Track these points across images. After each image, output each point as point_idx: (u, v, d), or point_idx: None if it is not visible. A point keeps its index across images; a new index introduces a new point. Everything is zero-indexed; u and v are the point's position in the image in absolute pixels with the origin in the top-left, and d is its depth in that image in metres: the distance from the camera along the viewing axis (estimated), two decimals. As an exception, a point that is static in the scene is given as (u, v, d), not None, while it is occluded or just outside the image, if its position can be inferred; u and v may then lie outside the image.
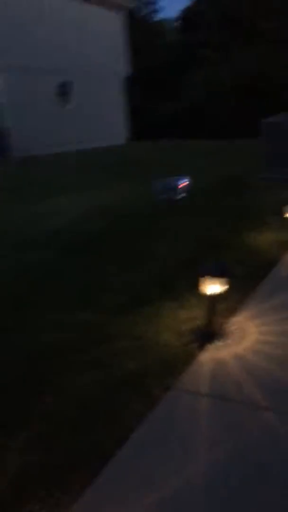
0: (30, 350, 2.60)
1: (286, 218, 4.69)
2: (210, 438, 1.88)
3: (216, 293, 2.53)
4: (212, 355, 2.47)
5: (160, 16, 39.04)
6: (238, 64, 24.69)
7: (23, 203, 7.35)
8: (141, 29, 29.55)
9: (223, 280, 2.53)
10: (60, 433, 1.93)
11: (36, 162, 13.18)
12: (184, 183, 6.46)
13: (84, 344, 2.63)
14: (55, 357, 2.50)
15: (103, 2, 19.71)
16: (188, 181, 6.55)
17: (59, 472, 1.71)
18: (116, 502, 1.58)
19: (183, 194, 6.42)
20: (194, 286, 3.20)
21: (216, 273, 2.48)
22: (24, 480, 1.68)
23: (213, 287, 2.50)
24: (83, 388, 2.22)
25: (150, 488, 1.63)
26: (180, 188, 6.39)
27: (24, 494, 1.62)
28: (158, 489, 1.62)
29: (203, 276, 2.50)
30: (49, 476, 1.70)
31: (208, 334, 2.62)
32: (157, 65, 28.63)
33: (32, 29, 16.57)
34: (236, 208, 5.88)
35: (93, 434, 1.91)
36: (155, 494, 1.60)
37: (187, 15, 30.04)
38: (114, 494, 1.62)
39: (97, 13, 19.62)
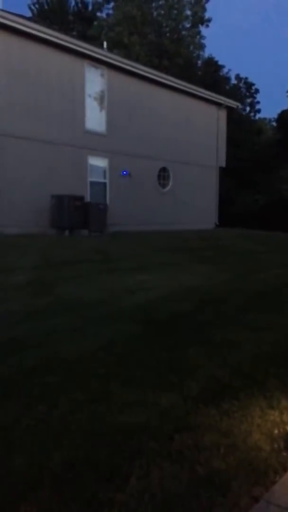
0: (110, 430, 2.51)
1: None
2: None
3: None
4: (307, 468, 2.21)
5: (260, 115, 41.04)
6: None
7: (112, 275, 7.61)
8: (241, 126, 31.17)
9: None
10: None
11: (129, 238, 13.78)
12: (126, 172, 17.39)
13: (165, 431, 2.51)
14: (133, 442, 2.39)
15: (207, 99, 21.27)
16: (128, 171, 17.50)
17: None
18: None
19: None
20: (284, 385, 3.02)
21: None
22: None
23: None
24: (161, 482, 2.06)
25: None
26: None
27: None
28: None
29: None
30: None
31: (302, 444, 2.38)
32: (251, 159, 29.64)
33: (136, 119, 18.17)
34: None
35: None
36: None
37: (284, 116, 31.27)
38: None
39: (201, 110, 21.12)
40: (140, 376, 3.30)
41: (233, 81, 37.90)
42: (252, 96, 38.54)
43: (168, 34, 34.50)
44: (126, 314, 5.12)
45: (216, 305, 5.66)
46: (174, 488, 2.01)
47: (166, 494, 1.97)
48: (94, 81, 16.69)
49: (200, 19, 34.78)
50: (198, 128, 20.80)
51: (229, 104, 22.48)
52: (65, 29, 27.84)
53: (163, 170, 19.71)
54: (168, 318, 4.95)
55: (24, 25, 14.03)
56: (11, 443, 2.34)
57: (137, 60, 25.73)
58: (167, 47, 32.26)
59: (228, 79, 37.17)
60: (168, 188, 19.96)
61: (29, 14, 32.49)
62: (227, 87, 35.40)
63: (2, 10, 13.80)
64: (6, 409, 2.71)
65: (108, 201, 16.93)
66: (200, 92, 20.67)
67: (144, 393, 2.97)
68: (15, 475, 2.07)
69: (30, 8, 33.64)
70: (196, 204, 20.88)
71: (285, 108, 32.12)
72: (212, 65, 35.88)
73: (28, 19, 15.55)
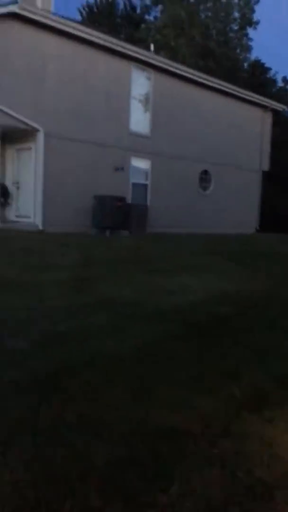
0: (151, 430, 2.52)
1: None
2: None
3: None
4: None
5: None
6: None
7: (151, 276, 7.64)
8: (286, 129, 30.50)
9: None
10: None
11: (169, 240, 13.80)
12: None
13: (207, 436, 2.49)
14: (174, 444, 2.39)
15: (252, 102, 20.96)
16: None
17: None
18: None
19: None
20: None
21: None
22: None
23: None
24: (203, 488, 2.04)
25: None
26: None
27: None
28: None
29: None
30: None
31: None
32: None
33: (180, 121, 18.13)
34: None
35: None
36: None
37: None
38: None
39: (246, 112, 20.84)
40: (181, 378, 3.29)
41: (280, 84, 37.17)
42: (299, 99, 37.64)
43: (215, 36, 34.26)
44: (166, 315, 5.13)
45: (256, 310, 5.58)
46: (216, 495, 2.00)
47: (208, 500, 1.96)
48: (140, 83, 16.80)
49: (248, 21, 34.34)
50: (242, 131, 20.53)
51: (274, 107, 22.07)
52: (113, 32, 28.17)
53: (205, 173, 19.58)
54: (208, 321, 4.91)
55: (76, 29, 14.30)
56: (54, 438, 2.39)
57: (183, 62, 25.71)
58: (214, 49, 32.05)
59: (274, 81, 36.50)
60: (209, 191, 19.80)
61: (78, 17, 33.14)
62: (273, 90, 34.75)
63: (56, 15, 14.13)
64: (49, 404, 2.76)
65: (149, 203, 16.99)
66: (245, 94, 20.40)
67: (184, 396, 2.96)
68: (60, 469, 2.11)
69: (80, 11, 34.30)
70: (237, 208, 20.61)
71: None
72: (259, 67, 35.32)
73: (79, 23, 15.84)
